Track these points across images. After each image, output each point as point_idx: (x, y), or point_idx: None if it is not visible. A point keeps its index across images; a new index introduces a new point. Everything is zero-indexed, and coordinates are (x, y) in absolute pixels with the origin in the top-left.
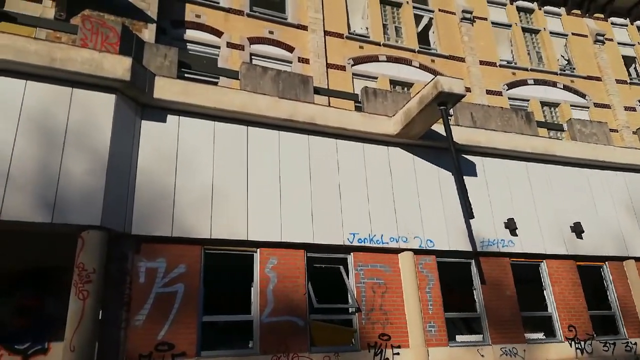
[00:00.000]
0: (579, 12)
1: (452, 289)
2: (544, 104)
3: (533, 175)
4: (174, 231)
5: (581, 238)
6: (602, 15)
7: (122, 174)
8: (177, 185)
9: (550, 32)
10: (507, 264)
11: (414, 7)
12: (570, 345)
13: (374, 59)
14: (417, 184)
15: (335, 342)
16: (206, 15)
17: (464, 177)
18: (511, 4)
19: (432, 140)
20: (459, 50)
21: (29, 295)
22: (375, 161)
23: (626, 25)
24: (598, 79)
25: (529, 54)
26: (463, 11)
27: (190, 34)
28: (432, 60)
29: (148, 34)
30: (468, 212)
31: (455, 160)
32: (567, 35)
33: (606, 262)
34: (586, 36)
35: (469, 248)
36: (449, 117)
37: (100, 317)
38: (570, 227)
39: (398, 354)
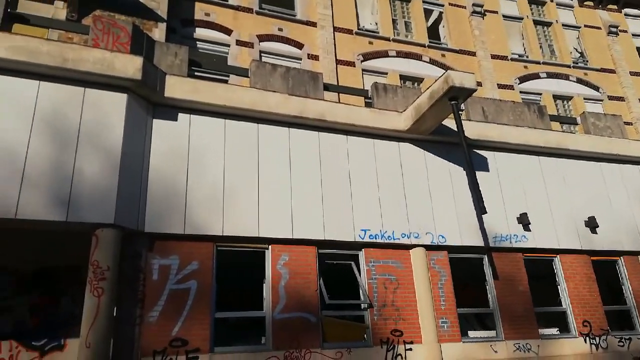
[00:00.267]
0: (591, 3)
1: (464, 284)
2: (556, 97)
3: (546, 169)
4: (186, 228)
5: (595, 232)
6: (615, 7)
7: (134, 173)
8: (188, 183)
9: (563, 25)
10: (520, 259)
11: (423, 2)
12: (585, 340)
13: (383, 54)
14: (429, 179)
15: (348, 338)
16: (215, 13)
17: (476, 172)
18: None
19: (443, 135)
20: (469, 44)
21: (45, 292)
22: (385, 157)
23: None
24: (612, 71)
25: (541, 47)
26: (473, 4)
27: (199, 32)
28: (443, 55)
29: (158, 33)
30: (480, 208)
31: (467, 155)
32: (579, 27)
33: (621, 257)
34: (599, 28)
35: (481, 243)
36: (460, 112)
37: (114, 314)
38: (585, 221)
39: (411, 349)
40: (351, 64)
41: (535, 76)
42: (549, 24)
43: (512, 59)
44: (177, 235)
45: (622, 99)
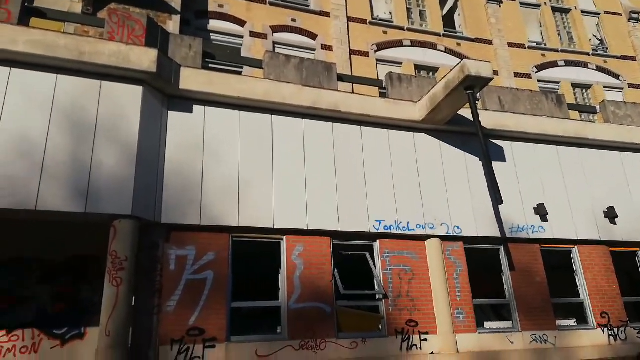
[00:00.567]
0: None
1: (480, 275)
2: (575, 86)
3: (564, 159)
4: (202, 220)
5: (615, 223)
6: None
7: (150, 164)
8: (204, 174)
9: (582, 11)
10: (538, 250)
11: None
12: (603, 332)
13: (398, 44)
14: (444, 170)
15: (362, 328)
16: (229, 4)
17: (492, 162)
18: None
19: (459, 125)
20: (485, 32)
21: (66, 282)
22: (400, 147)
23: None
24: (632, 58)
25: (559, 34)
26: None
27: (213, 24)
28: (458, 44)
29: (172, 25)
30: (497, 198)
31: (483, 145)
32: (599, 13)
33: None
34: (620, 14)
35: (497, 234)
36: (476, 102)
37: (133, 303)
38: (604, 212)
39: (426, 340)
40: (365, 54)
41: (554, 64)
42: (567, 11)
43: (529, 47)
44: (193, 226)
45: None
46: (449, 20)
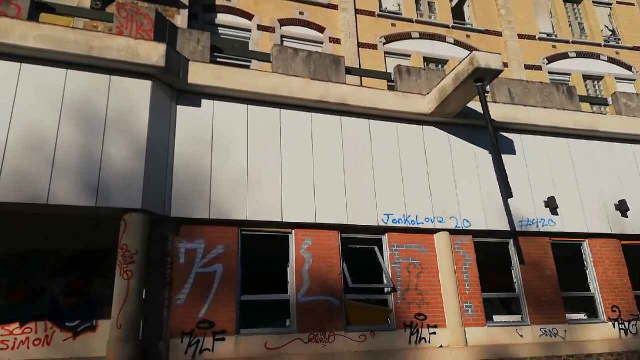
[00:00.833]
0: None
1: (489, 268)
2: (586, 77)
3: (575, 151)
4: (211, 213)
5: (626, 216)
6: None
7: (160, 158)
8: (213, 168)
9: (593, 2)
10: (547, 243)
11: None
12: (614, 325)
13: (406, 36)
14: (453, 163)
15: (371, 321)
16: None
17: (502, 155)
18: None
19: (468, 118)
20: (495, 24)
21: (78, 275)
22: (409, 140)
23: None
24: None
25: (570, 25)
26: None
27: (221, 17)
28: (467, 36)
29: (180, 19)
30: (506, 191)
31: (493, 138)
32: (611, 3)
33: None
34: (632, 4)
35: (507, 227)
36: (486, 94)
37: (143, 296)
38: (615, 205)
39: (434, 333)
40: (373, 46)
41: (564, 56)
42: (578, 1)
43: (539, 39)
44: (202, 220)
45: None
46: (458, 12)
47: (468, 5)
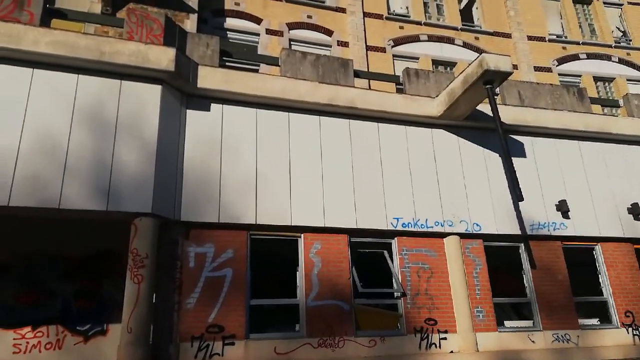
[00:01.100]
0: None
1: (500, 273)
2: (597, 79)
3: (586, 154)
4: (220, 217)
5: (639, 220)
6: None
7: (169, 163)
8: (222, 172)
9: (604, 2)
10: (559, 247)
11: None
12: (627, 331)
13: (414, 39)
14: (463, 166)
15: (381, 326)
16: (245, 2)
17: (512, 158)
18: None
19: (478, 120)
20: (504, 26)
21: (88, 279)
22: (418, 144)
23: None
24: None
25: (580, 26)
26: None
27: (230, 22)
28: (476, 38)
29: (190, 24)
30: (517, 195)
31: (503, 140)
32: (622, 4)
33: None
34: None
35: (518, 232)
36: (495, 96)
37: (154, 300)
38: (628, 208)
39: (445, 338)
40: (382, 49)
41: (575, 57)
42: (589, 2)
43: (549, 40)
44: (212, 224)
45: None
46: (466, 14)
47: (477, 8)
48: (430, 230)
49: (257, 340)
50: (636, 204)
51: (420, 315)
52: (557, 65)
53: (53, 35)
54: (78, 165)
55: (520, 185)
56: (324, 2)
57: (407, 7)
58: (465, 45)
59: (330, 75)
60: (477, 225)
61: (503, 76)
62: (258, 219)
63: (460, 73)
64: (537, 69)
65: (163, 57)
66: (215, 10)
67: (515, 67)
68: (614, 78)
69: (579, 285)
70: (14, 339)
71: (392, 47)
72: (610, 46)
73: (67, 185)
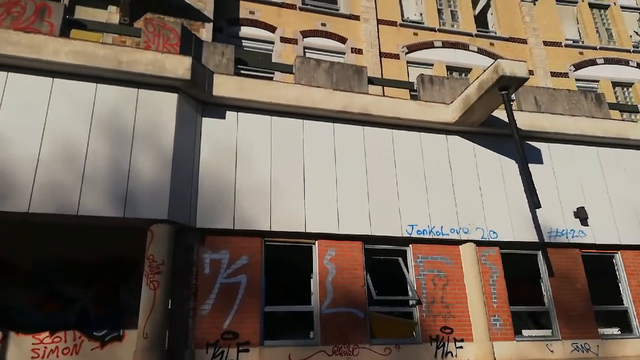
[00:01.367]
0: None
1: (518, 281)
2: (615, 84)
3: (605, 160)
4: (235, 224)
5: None
6: None
7: (185, 170)
8: (237, 179)
9: (621, 7)
10: (578, 255)
11: None
12: None
13: (429, 45)
14: (478, 173)
15: (396, 334)
16: (260, 11)
17: (529, 164)
18: None
19: (493, 127)
20: (520, 31)
21: (105, 285)
22: (433, 150)
23: None
24: None
25: (597, 31)
26: None
27: (245, 30)
28: (491, 44)
29: (205, 33)
30: (534, 202)
31: (519, 147)
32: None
33: None
34: None
35: (535, 239)
36: (511, 102)
37: (169, 306)
38: None
39: (461, 347)
40: (395, 56)
41: (592, 62)
42: (606, 7)
43: (566, 45)
44: (226, 230)
45: None
46: (481, 20)
47: (492, 13)
48: (445, 237)
49: (272, 347)
50: None
51: (436, 323)
52: (574, 71)
53: (72, 45)
54: (96, 172)
55: (537, 192)
56: (337, 10)
57: (421, 14)
58: (480, 51)
59: (344, 82)
60: (494, 232)
61: (519, 82)
62: (272, 226)
63: (475, 79)
64: (554, 74)
65: (179, 66)
66: (231, 19)
67: (531, 72)
68: (633, 83)
69: (598, 293)
70: (33, 344)
71: (406, 53)
72: (628, 51)
73: (85, 192)
